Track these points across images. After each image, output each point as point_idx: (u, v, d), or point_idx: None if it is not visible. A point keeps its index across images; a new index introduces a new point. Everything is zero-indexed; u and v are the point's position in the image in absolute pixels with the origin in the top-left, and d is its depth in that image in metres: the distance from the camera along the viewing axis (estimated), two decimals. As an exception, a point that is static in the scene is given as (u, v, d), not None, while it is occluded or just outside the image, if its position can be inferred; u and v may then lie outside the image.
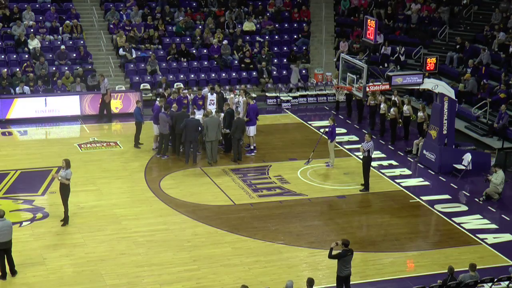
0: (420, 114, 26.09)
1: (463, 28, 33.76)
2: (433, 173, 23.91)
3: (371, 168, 22.74)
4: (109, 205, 20.62)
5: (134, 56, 31.30)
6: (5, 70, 28.62)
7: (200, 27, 33.48)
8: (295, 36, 34.72)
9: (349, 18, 36.07)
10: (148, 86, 30.15)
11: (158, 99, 25.33)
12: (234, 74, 32.00)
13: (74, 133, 26.93)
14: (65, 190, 19.01)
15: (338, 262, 15.54)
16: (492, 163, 23.67)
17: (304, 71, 32.91)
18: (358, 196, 22.12)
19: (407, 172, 24.20)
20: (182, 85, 29.42)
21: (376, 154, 24.26)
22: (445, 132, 23.81)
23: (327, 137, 24.01)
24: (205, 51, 32.49)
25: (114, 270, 17.09)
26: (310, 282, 14.65)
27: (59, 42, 31.10)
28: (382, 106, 26.84)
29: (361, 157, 22.72)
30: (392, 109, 26.48)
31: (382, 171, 24.00)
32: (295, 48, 33.96)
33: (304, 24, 34.94)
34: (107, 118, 27.83)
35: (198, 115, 24.41)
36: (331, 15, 36.57)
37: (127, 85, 30.44)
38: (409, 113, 26.47)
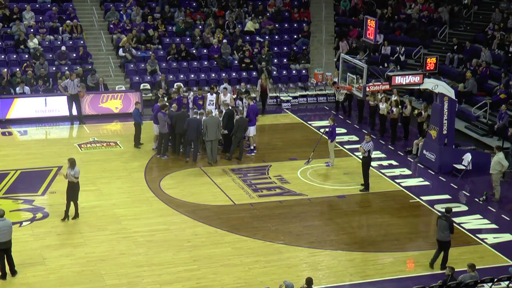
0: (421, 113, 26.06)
1: (463, 28, 33.76)
2: (433, 173, 23.90)
3: (371, 168, 22.74)
4: (109, 205, 20.62)
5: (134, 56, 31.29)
6: (5, 70, 28.62)
7: (200, 27, 33.47)
8: (295, 36, 34.70)
9: (349, 18, 36.06)
10: (148, 86, 30.12)
11: (160, 97, 25.30)
12: (234, 74, 31.98)
13: (74, 133, 26.93)
14: (74, 189, 19.18)
15: None
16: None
17: (304, 71, 32.95)
18: (358, 196, 22.11)
19: (407, 172, 24.19)
20: (182, 85, 29.39)
21: (376, 154, 24.27)
22: (445, 132, 23.81)
23: (327, 137, 24.02)
24: (205, 51, 32.48)
25: (114, 270, 17.09)
26: (309, 282, 14.64)
27: (59, 42, 31.09)
28: (382, 106, 26.80)
29: (361, 157, 22.72)
30: (394, 109, 26.45)
31: (382, 171, 23.99)
32: (295, 48, 33.96)
33: (304, 24, 34.93)
34: (79, 118, 27.43)
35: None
36: (331, 15, 36.56)
37: (127, 85, 30.43)
38: (406, 112, 26.44)
